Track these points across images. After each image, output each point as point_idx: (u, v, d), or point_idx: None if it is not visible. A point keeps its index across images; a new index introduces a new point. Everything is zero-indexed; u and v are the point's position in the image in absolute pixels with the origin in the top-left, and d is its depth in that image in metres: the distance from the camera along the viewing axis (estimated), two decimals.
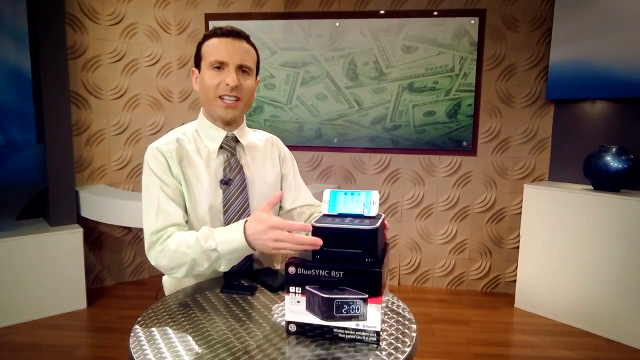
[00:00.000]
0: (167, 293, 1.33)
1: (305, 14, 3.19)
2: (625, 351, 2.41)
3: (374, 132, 3.21)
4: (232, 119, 1.26)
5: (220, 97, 1.21)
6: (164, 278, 1.37)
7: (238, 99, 1.22)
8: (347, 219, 0.92)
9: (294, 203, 1.40)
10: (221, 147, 1.27)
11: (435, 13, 3.04)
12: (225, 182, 1.24)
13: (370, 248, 0.86)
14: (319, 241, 0.88)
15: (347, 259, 0.86)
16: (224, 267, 1.08)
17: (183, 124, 1.35)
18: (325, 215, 0.96)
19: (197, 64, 1.26)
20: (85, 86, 3.01)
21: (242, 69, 1.22)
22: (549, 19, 2.91)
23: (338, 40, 3.16)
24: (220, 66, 1.20)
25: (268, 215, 0.99)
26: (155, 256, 1.13)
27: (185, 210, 1.22)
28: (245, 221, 1.03)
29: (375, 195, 0.96)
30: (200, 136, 1.28)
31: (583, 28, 2.72)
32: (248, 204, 1.26)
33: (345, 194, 0.97)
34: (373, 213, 0.94)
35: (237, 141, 1.30)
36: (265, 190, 1.32)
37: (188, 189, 1.21)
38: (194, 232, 1.11)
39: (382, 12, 3.10)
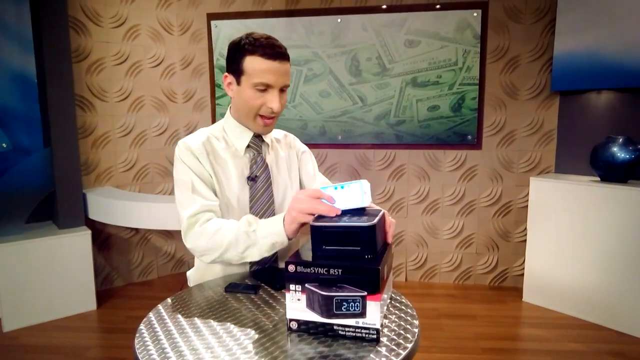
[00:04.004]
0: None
1: (306, 11, 3.18)
2: (636, 343, 2.39)
3: (378, 128, 3.20)
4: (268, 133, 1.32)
5: (260, 116, 1.24)
6: (189, 272, 1.40)
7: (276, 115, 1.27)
8: (346, 216, 0.92)
9: None
10: (248, 145, 1.30)
11: (438, 6, 3.02)
12: (252, 179, 1.28)
13: (369, 245, 0.86)
14: (334, 211, 0.94)
15: (347, 257, 0.87)
16: (255, 255, 1.12)
17: (210, 125, 1.38)
18: None
19: (235, 72, 1.23)
20: (90, 89, 3.03)
21: (282, 89, 1.24)
22: (553, 9, 2.88)
23: (340, 36, 3.15)
24: (265, 88, 1.20)
25: None
26: (192, 238, 1.17)
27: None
28: None
29: (365, 185, 0.96)
30: (227, 134, 1.31)
31: (587, 18, 2.69)
32: (273, 200, 1.30)
33: (335, 188, 0.98)
34: (367, 202, 0.95)
35: (262, 140, 1.34)
36: (287, 187, 1.37)
37: (218, 184, 1.26)
38: (235, 221, 1.16)
39: (384, 7, 3.08)
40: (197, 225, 1.17)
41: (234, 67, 1.22)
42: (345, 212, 0.95)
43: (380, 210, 0.96)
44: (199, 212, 1.18)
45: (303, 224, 1.04)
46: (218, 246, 1.13)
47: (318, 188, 1.02)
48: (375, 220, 0.87)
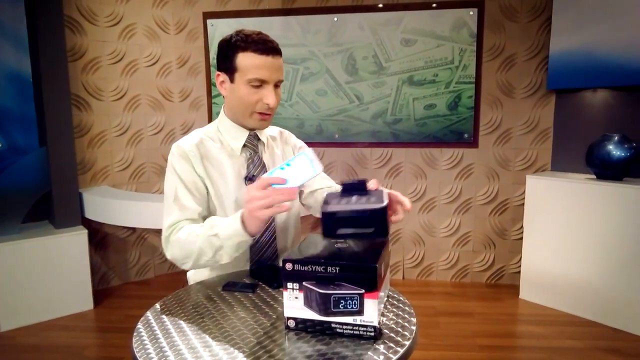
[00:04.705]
0: None
1: (302, 10, 3.18)
2: (631, 340, 2.41)
3: (375, 127, 3.20)
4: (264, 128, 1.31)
5: (257, 112, 1.23)
6: (189, 273, 1.40)
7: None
8: (353, 197, 0.91)
9: (312, 187, 1.42)
10: (244, 145, 1.30)
11: (434, 5, 3.02)
12: (249, 179, 1.27)
13: (383, 225, 0.86)
14: (293, 192, 0.93)
15: (361, 238, 0.88)
16: (226, 258, 1.09)
17: (206, 125, 1.37)
18: (329, 194, 0.97)
19: (228, 70, 1.22)
20: (86, 88, 3.02)
21: (276, 84, 1.23)
22: (549, 7, 2.89)
23: (337, 35, 3.15)
24: (260, 84, 1.20)
25: None
26: (169, 248, 1.17)
27: (208, 208, 1.25)
28: None
29: (310, 153, 0.97)
30: (222, 134, 1.30)
31: (583, 16, 2.70)
32: None
33: (282, 168, 0.98)
34: (319, 169, 0.96)
35: (259, 139, 1.33)
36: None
37: (213, 186, 1.25)
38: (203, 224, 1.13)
39: (380, 5, 3.08)
40: (172, 235, 1.16)
41: (227, 64, 1.21)
42: (350, 193, 0.95)
43: (382, 190, 0.97)
44: (175, 222, 1.18)
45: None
46: (190, 253, 1.11)
47: (264, 176, 0.99)
48: (386, 202, 0.87)
